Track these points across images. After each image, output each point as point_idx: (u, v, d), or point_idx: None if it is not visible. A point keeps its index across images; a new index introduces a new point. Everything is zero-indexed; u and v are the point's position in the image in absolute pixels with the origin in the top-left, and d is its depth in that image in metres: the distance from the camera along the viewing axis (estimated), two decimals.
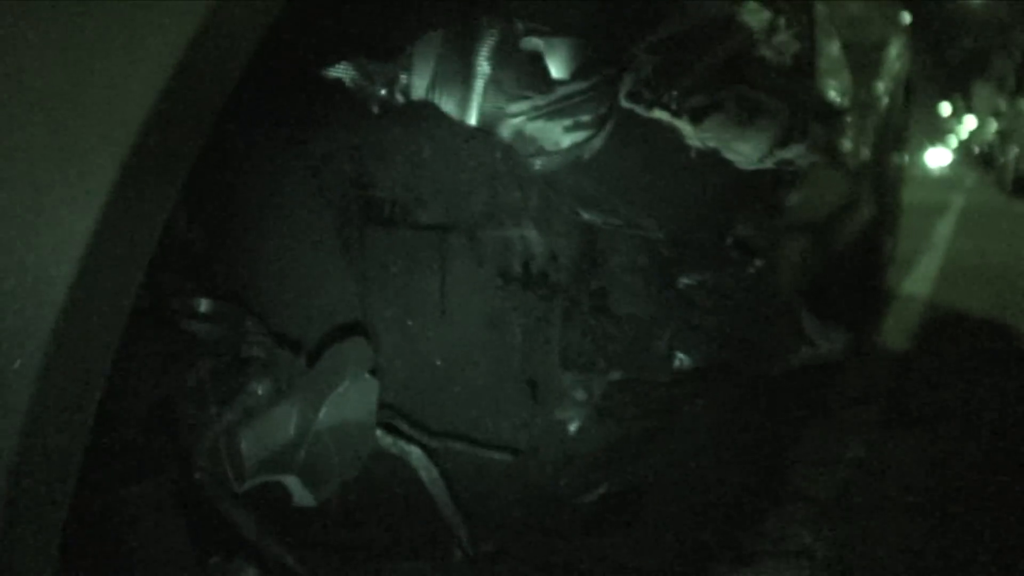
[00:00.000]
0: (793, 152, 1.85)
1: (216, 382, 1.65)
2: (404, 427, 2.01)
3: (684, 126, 1.86)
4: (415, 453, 1.88)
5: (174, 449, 1.65)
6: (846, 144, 4.74)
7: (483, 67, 2.33)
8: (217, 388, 1.63)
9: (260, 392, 1.63)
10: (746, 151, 1.87)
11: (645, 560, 2.33)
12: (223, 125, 2.25)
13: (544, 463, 2.37)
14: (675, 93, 1.85)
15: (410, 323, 2.29)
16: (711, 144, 1.88)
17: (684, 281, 2.31)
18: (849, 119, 4.54)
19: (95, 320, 1.00)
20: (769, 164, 1.89)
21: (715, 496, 2.62)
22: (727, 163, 1.94)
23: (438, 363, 2.30)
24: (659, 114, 1.86)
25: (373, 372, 1.86)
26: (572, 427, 2.37)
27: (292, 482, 1.69)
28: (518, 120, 2.32)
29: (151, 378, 1.51)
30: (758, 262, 2.29)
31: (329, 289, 2.25)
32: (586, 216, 2.25)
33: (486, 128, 2.37)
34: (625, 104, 1.89)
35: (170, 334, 1.56)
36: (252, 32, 1.22)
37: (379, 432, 1.87)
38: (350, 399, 1.79)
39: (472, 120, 2.37)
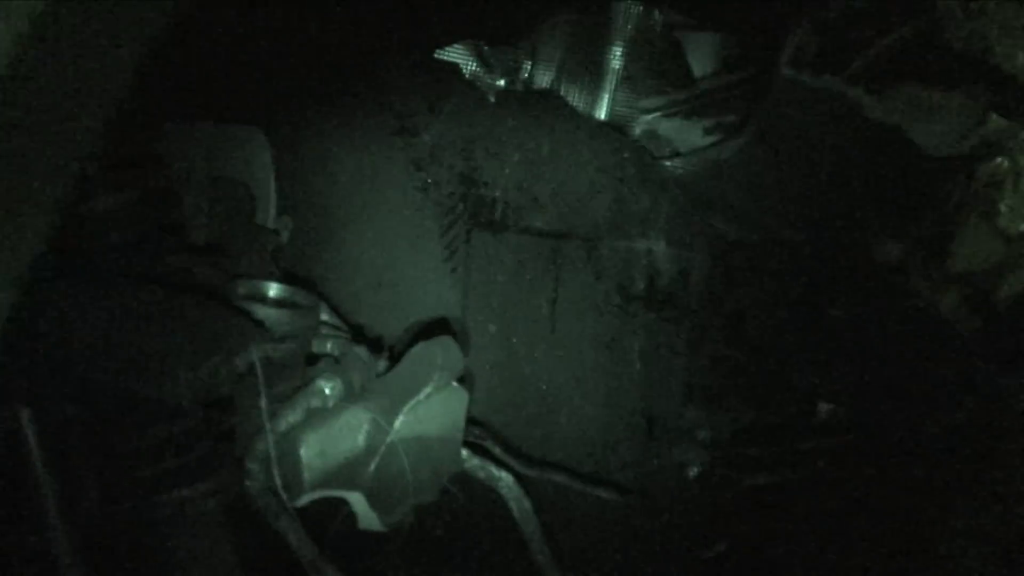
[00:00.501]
0: (992, 129, 1.54)
1: (278, 378, 1.43)
2: (497, 451, 1.75)
3: (862, 96, 1.57)
4: (507, 481, 1.62)
5: (224, 452, 1.43)
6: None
7: (616, 58, 2.10)
8: (277, 385, 1.41)
9: (328, 392, 1.40)
10: (938, 132, 1.57)
11: None
12: (321, 107, 2.09)
13: (658, 509, 2.08)
14: (853, 58, 1.56)
15: (515, 340, 2.05)
16: (895, 119, 1.57)
17: (833, 313, 1.99)
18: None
19: None
20: (965, 148, 1.58)
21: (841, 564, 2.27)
22: (903, 150, 1.64)
23: (543, 386, 2.05)
24: (830, 82, 1.58)
25: (463, 381, 1.60)
26: (692, 471, 2.07)
27: (357, 501, 1.45)
28: (652, 117, 2.07)
29: (199, 364, 1.30)
30: (917, 298, 1.96)
31: (426, 295, 2.02)
32: (723, 229, 1.97)
33: (615, 125, 2.12)
34: (787, 72, 1.61)
35: (229, 316, 1.35)
36: None
37: (465, 452, 1.61)
38: (433, 410, 1.54)
39: (601, 115, 2.13)
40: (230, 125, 1.96)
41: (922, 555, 2.34)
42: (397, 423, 1.47)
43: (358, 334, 1.71)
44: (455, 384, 1.59)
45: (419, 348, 1.54)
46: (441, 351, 1.54)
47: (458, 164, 2.04)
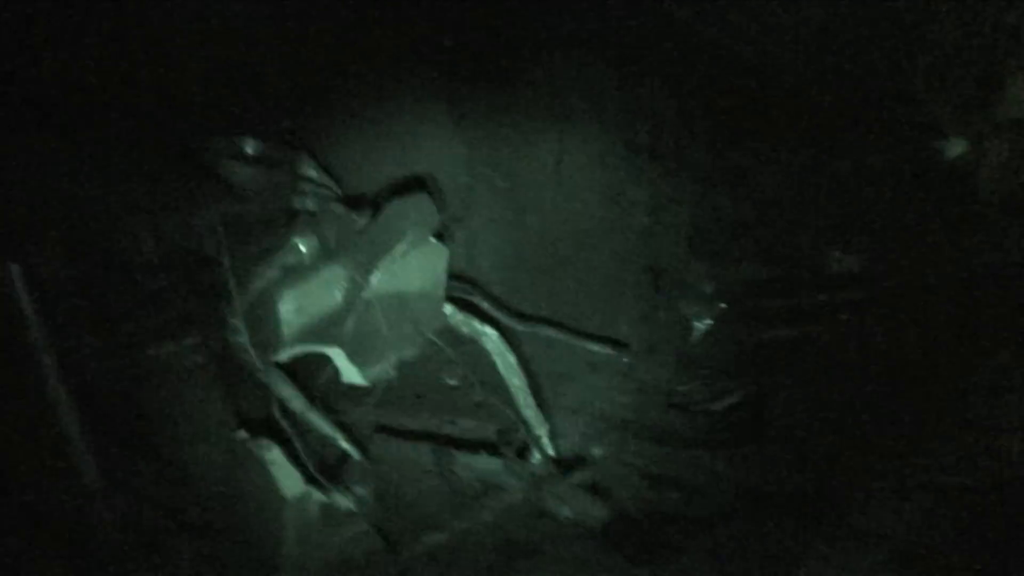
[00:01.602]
0: None
1: (254, 235, 1.45)
2: (485, 306, 1.75)
3: None
4: (490, 335, 1.63)
5: (207, 307, 1.47)
6: None
7: None
8: (254, 242, 1.43)
9: (304, 250, 1.41)
10: None
11: (765, 480, 2.00)
12: None
13: (664, 363, 2.08)
14: None
15: (521, 193, 2.03)
16: None
17: (840, 164, 1.93)
18: None
19: None
20: None
21: (862, 418, 2.23)
22: None
23: (550, 240, 2.04)
24: None
25: (442, 236, 1.60)
26: (700, 326, 2.06)
27: (338, 355, 1.48)
28: None
29: (176, 224, 1.32)
30: (943, 140, 1.88)
31: (432, 146, 2.01)
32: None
33: None
34: None
35: (192, 175, 1.35)
36: None
37: (450, 308, 1.62)
38: (412, 266, 1.55)
39: None
40: None
41: (949, 407, 2.29)
42: (374, 279, 1.49)
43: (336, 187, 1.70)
44: (434, 240, 1.59)
45: (393, 205, 1.54)
46: (414, 207, 1.54)
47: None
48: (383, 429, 1.73)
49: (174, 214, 1.25)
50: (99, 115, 1.41)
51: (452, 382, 1.76)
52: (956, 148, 1.99)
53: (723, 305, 1.98)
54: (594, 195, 2.03)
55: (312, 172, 1.72)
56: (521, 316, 1.81)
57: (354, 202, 1.56)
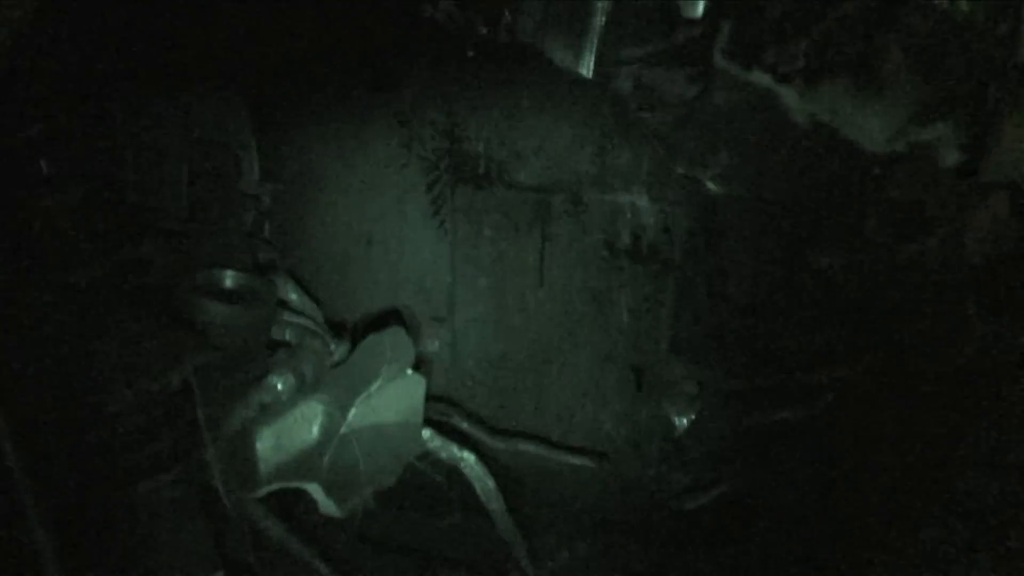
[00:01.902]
0: (935, 132, 1.46)
1: (232, 370, 1.47)
2: (464, 426, 1.77)
3: (789, 94, 1.50)
4: (468, 460, 1.65)
5: (185, 446, 1.49)
6: None
7: (601, 7, 2.02)
8: (231, 380, 1.45)
9: (280, 388, 1.43)
10: (871, 128, 1.49)
11: None
12: (297, 68, 2.06)
13: (648, 460, 2.10)
14: (781, 51, 1.49)
15: (505, 292, 2.06)
16: (823, 118, 1.50)
17: (822, 260, 1.94)
18: None
19: None
20: (901, 146, 1.51)
21: (851, 507, 2.24)
22: (848, 144, 1.57)
23: (534, 338, 2.06)
24: (758, 77, 1.51)
25: (418, 367, 1.62)
26: (681, 423, 2.07)
27: (315, 490, 1.50)
28: (635, 67, 1.99)
29: (159, 367, 1.34)
30: (916, 244, 1.90)
31: (416, 250, 2.04)
32: (706, 181, 1.92)
33: (601, 75, 2.06)
34: (720, 63, 1.54)
35: (166, 330, 1.37)
36: None
37: (428, 433, 1.64)
38: (389, 398, 1.57)
39: (587, 65, 2.06)
40: (206, 91, 1.96)
41: (937, 491, 2.30)
42: (350, 415, 1.51)
43: (327, 312, 1.72)
44: (410, 372, 1.61)
45: (369, 340, 1.56)
46: (390, 343, 1.56)
47: (440, 119, 2.02)
48: (364, 540, 1.75)
49: (145, 374, 1.26)
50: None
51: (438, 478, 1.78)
52: None
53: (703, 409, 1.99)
54: (576, 294, 2.05)
55: (293, 296, 1.75)
56: (500, 433, 1.83)
57: (335, 327, 1.59)
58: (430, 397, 1.84)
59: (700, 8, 1.58)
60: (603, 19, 2.02)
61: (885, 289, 1.96)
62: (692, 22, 1.83)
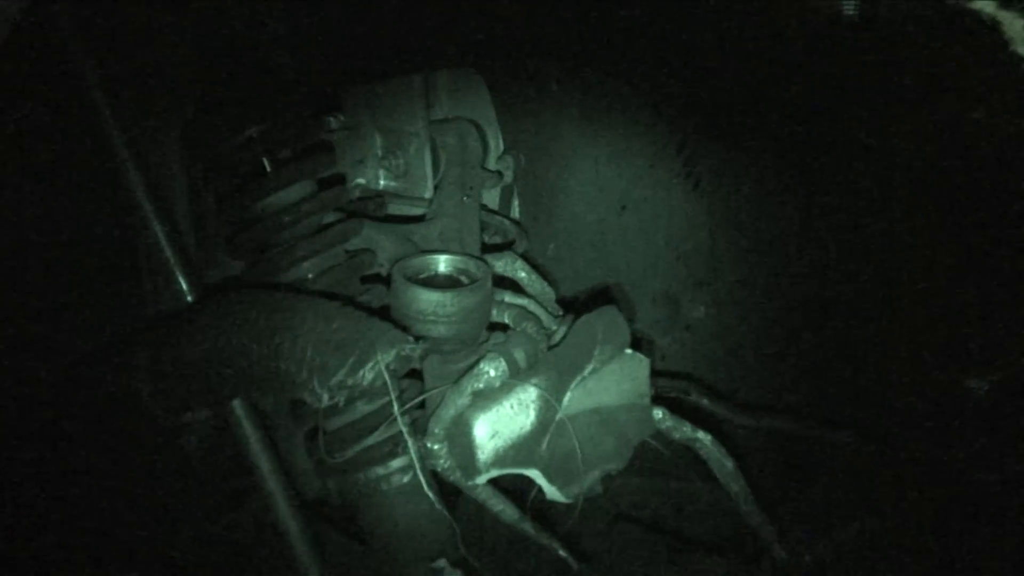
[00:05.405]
0: None
1: (446, 358, 1.45)
2: (704, 403, 1.65)
3: None
4: (704, 441, 1.52)
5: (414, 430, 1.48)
6: None
7: None
8: (450, 363, 1.44)
9: (493, 374, 1.39)
10: None
11: None
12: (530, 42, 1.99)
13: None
14: None
15: (764, 252, 1.91)
16: None
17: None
18: None
19: None
20: None
21: None
22: None
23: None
24: None
25: (637, 346, 1.52)
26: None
27: (537, 476, 1.45)
28: None
29: (328, 378, 1.35)
30: None
31: (671, 213, 1.94)
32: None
33: None
34: None
35: (362, 327, 1.36)
36: None
37: (660, 412, 1.53)
38: (609, 380, 1.48)
39: None
40: (446, 69, 1.95)
41: None
42: (565, 399, 1.44)
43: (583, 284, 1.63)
44: (629, 352, 1.51)
45: (581, 322, 1.48)
46: (602, 325, 1.48)
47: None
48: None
49: (338, 370, 1.26)
50: None
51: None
52: None
53: None
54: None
55: (522, 274, 1.71)
56: (747, 408, 1.69)
57: (566, 306, 1.53)
58: (674, 374, 1.73)
59: None
60: None
61: None
62: None
